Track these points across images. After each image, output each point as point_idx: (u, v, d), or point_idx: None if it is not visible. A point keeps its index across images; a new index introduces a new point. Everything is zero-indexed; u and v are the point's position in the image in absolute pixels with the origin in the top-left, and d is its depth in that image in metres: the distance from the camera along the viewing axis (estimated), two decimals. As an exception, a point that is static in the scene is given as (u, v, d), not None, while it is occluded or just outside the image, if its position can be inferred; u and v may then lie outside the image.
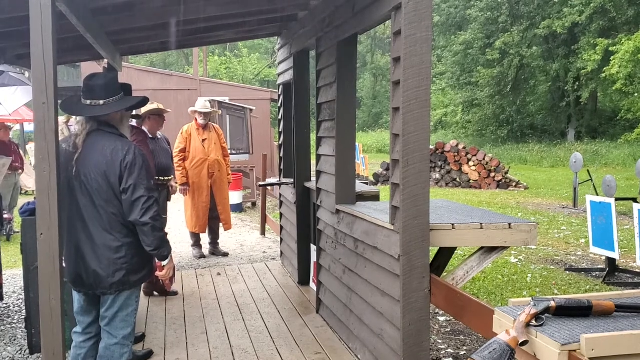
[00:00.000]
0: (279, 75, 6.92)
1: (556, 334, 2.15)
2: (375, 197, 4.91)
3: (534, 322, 2.26)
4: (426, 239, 3.23)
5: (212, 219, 7.50)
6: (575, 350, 2.06)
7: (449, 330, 5.11)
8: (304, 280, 5.92)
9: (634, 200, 8.81)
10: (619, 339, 2.09)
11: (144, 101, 3.41)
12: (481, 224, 3.49)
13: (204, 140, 7.38)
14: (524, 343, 2.21)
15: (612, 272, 6.72)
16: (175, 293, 5.75)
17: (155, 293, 5.71)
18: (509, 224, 3.51)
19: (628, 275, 6.80)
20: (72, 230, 3.12)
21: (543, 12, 27.32)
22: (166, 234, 3.18)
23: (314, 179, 5.81)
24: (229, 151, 8.45)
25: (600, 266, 7.14)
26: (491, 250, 3.58)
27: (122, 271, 3.09)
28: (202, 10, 4.48)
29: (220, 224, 7.58)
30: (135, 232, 3.09)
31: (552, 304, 2.30)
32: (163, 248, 3.13)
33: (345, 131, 4.28)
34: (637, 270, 6.76)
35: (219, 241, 7.81)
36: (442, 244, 3.47)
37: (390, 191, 3.35)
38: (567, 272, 7.02)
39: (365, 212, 3.88)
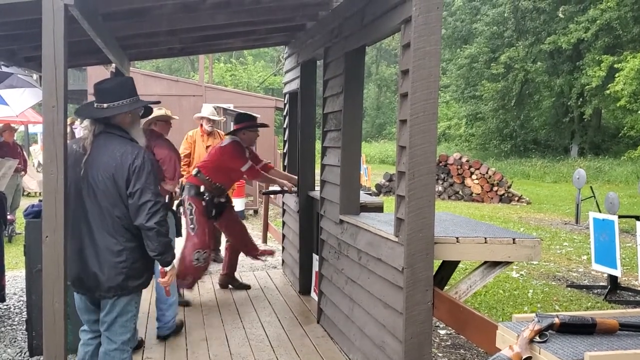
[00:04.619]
0: (285, 84, 6.95)
1: (560, 351, 2.14)
2: (378, 208, 4.92)
3: (537, 339, 2.25)
4: (430, 251, 3.23)
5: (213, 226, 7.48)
6: (578, 368, 2.06)
7: (449, 343, 5.10)
8: (305, 290, 5.91)
9: (637, 217, 8.78)
10: (623, 357, 2.08)
11: (148, 106, 3.43)
12: (485, 238, 3.49)
13: (208, 147, 7.40)
14: (528, 359, 2.21)
15: (614, 289, 6.70)
16: (186, 303, 5.62)
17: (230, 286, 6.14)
18: (513, 239, 3.52)
19: (630, 293, 6.78)
20: (75, 231, 3.13)
21: (549, 27, 27.40)
22: (171, 240, 3.18)
23: (317, 188, 5.83)
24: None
25: (602, 283, 7.12)
26: (495, 264, 3.58)
27: (122, 275, 3.09)
28: (211, 18, 4.51)
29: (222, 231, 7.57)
30: (138, 237, 3.09)
31: (556, 320, 2.29)
32: (167, 254, 3.12)
33: (351, 142, 4.29)
34: (639, 289, 6.74)
35: (220, 248, 7.80)
36: (446, 257, 3.48)
37: (395, 203, 3.36)
38: (569, 289, 7.01)
39: (369, 223, 3.88)
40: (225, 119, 12.51)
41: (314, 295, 5.70)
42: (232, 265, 6.33)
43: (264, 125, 6.34)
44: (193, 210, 5.57)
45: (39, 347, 4.31)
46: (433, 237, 3.24)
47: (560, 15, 26.53)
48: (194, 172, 5.88)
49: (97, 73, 11.58)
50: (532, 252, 3.54)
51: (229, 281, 6.31)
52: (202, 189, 5.66)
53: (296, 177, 6.11)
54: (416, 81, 3.12)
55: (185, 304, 5.57)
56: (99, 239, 3.08)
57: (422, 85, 3.12)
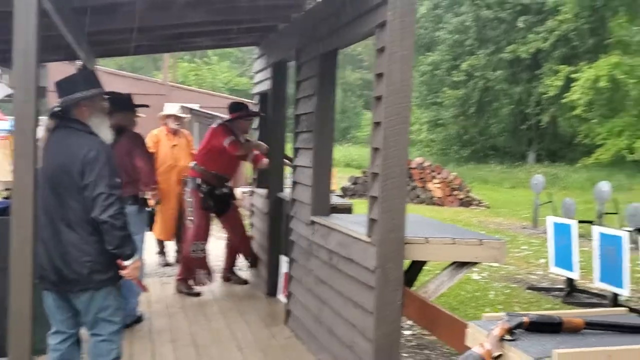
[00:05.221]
0: (255, 84, 6.95)
1: (529, 348, 2.21)
2: (348, 210, 4.98)
3: (507, 337, 2.31)
4: (401, 252, 3.29)
5: (179, 227, 7.41)
6: (547, 365, 2.13)
7: (414, 344, 5.17)
8: (272, 291, 5.89)
9: (591, 223, 9.08)
10: (588, 354, 2.16)
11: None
12: (453, 239, 3.57)
13: (173, 146, 7.31)
14: (498, 357, 2.27)
15: (572, 292, 6.91)
16: (197, 294, 5.95)
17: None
18: (480, 241, 3.61)
19: (586, 296, 7.00)
20: (39, 226, 3.08)
21: (509, 37, 28.04)
22: (129, 233, 3.14)
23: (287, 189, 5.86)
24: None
25: (559, 286, 7.32)
26: (462, 265, 3.65)
27: (86, 269, 3.06)
28: (183, 16, 4.49)
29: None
30: (101, 231, 3.06)
31: (525, 319, 2.36)
32: (124, 247, 3.07)
33: (323, 143, 4.32)
34: (595, 291, 6.96)
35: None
36: (415, 257, 3.54)
37: (368, 204, 3.40)
38: (528, 291, 7.19)
39: (341, 224, 3.92)
40: (190, 117, 12.38)
41: (281, 296, 5.70)
42: (232, 261, 6.56)
43: (259, 114, 6.36)
44: (192, 203, 5.87)
45: (1, 349, 4.19)
46: (404, 237, 3.30)
47: (520, 25, 27.20)
48: (191, 164, 6.09)
49: (61, 69, 11.31)
50: (497, 253, 3.64)
51: (230, 275, 6.54)
52: (198, 181, 5.85)
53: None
54: (390, 85, 3.17)
55: (196, 294, 5.94)
56: (61, 233, 3.06)
57: (396, 89, 3.18)
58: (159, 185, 7.09)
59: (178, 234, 7.50)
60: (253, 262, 6.50)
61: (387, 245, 3.25)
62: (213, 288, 6.28)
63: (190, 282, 6.05)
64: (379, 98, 3.28)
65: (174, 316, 5.27)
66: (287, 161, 6.05)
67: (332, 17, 4.03)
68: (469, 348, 2.42)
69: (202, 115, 13.27)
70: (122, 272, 3.17)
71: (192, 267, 6.00)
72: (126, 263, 3.13)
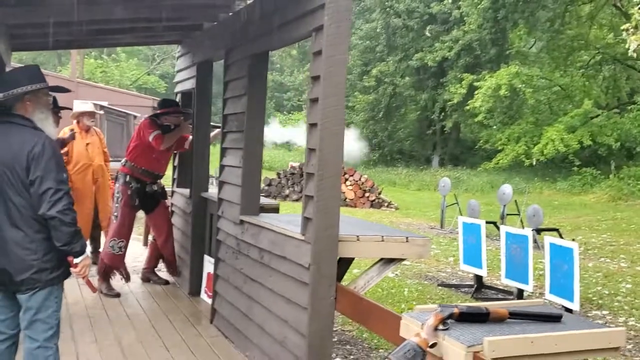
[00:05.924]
0: (177, 83, 6.85)
1: (461, 337, 2.39)
2: (275, 210, 5.04)
3: (440, 327, 2.48)
4: (335, 249, 3.41)
5: (93, 228, 7.18)
6: (478, 352, 2.30)
7: (335, 340, 5.30)
8: (195, 291, 5.85)
9: (496, 223, 9.65)
10: (515, 341, 2.37)
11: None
12: (382, 236, 3.72)
13: (87, 144, 7.07)
14: (433, 345, 2.43)
15: (480, 288, 7.32)
16: (117, 295, 5.78)
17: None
18: (406, 238, 3.78)
19: (493, 292, 7.44)
20: None
21: (416, 45, 29.10)
22: (79, 229, 3.05)
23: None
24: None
25: (468, 282, 7.74)
26: (389, 261, 3.82)
27: (33, 268, 2.96)
28: (110, 11, 4.39)
29: (102, 232, 7.28)
30: (48, 228, 2.97)
31: (456, 310, 2.54)
32: (74, 244, 2.99)
33: (253, 143, 4.37)
34: (501, 287, 7.42)
35: (100, 250, 7.48)
36: (347, 254, 3.67)
37: (303, 203, 3.50)
38: (440, 288, 7.54)
39: (272, 223, 3.99)
40: (102, 112, 11.98)
41: (204, 296, 5.68)
42: (154, 261, 6.46)
43: (187, 112, 6.25)
44: (120, 199, 5.77)
45: None
46: (338, 235, 3.42)
47: (427, 34, 28.33)
48: (122, 161, 6.00)
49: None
50: (422, 250, 3.84)
51: (150, 275, 6.42)
52: (127, 177, 5.76)
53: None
54: (327, 87, 3.28)
55: (116, 295, 5.77)
56: (6, 232, 2.95)
57: (332, 91, 3.30)
58: (74, 185, 6.88)
59: (93, 235, 7.27)
60: (171, 270, 6.40)
61: (321, 243, 3.35)
62: (133, 289, 6.14)
63: (112, 279, 5.94)
64: (315, 100, 3.37)
65: (95, 317, 5.10)
66: (216, 129, 5.99)
67: (265, 19, 4.08)
68: (402, 339, 2.56)
69: (113, 113, 12.88)
70: (73, 270, 3.08)
71: (111, 265, 5.88)
72: (76, 260, 3.04)
